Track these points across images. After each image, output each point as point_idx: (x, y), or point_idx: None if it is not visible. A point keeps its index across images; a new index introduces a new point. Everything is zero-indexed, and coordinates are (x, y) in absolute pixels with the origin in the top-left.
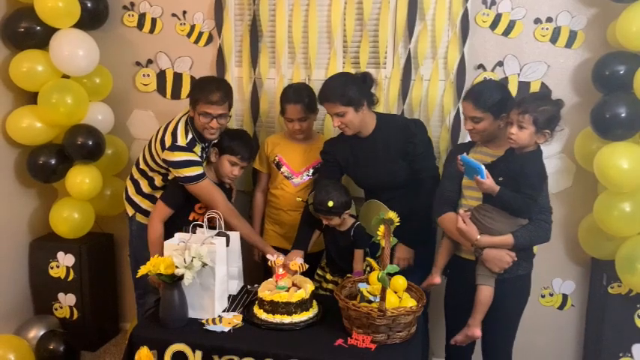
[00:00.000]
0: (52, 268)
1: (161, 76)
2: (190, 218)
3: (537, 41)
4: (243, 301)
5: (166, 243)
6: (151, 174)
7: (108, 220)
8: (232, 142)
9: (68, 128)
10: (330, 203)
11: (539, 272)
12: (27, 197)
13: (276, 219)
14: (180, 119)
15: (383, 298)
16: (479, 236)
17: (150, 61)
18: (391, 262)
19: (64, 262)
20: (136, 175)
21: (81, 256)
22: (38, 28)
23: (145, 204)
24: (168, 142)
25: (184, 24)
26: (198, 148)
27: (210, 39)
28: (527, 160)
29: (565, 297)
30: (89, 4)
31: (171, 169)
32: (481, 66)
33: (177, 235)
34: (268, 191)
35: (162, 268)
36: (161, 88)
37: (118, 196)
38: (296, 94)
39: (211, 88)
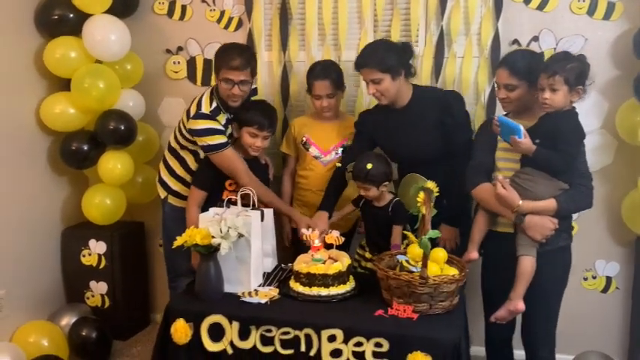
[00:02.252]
0: (83, 256)
1: (191, 62)
2: (224, 197)
3: (574, 14)
4: (278, 277)
5: (201, 216)
6: (182, 153)
7: (139, 208)
8: (248, 113)
9: (100, 114)
10: (369, 165)
11: (581, 254)
12: (59, 185)
13: (303, 200)
14: (206, 90)
15: (425, 265)
16: (520, 202)
17: (180, 48)
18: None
19: (95, 250)
20: (168, 157)
21: (112, 244)
22: (71, 15)
23: (177, 186)
24: (193, 110)
25: (214, 10)
26: (222, 117)
27: (240, 24)
28: (562, 117)
29: (609, 279)
30: None
31: (195, 138)
32: (516, 41)
33: (212, 210)
34: (296, 174)
35: (199, 238)
36: (191, 75)
37: (149, 184)
38: (324, 70)
39: (233, 55)
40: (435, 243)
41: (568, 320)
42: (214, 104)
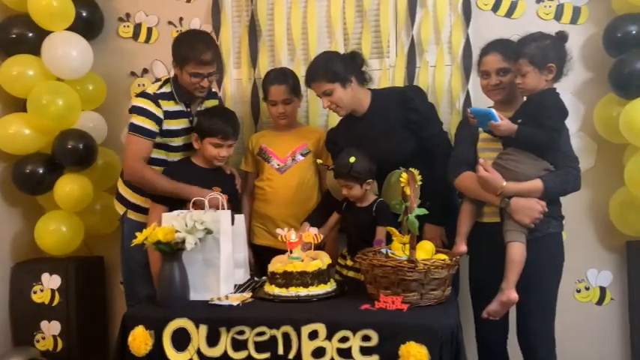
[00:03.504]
0: (35, 292)
1: None
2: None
3: (542, 20)
4: (251, 286)
5: (164, 215)
6: None
7: (99, 241)
8: (209, 122)
9: (58, 134)
10: (352, 159)
11: (571, 264)
12: (10, 217)
13: (260, 212)
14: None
15: (413, 247)
16: (504, 183)
17: (145, 71)
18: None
19: (48, 285)
20: None
21: (68, 277)
22: (30, 34)
23: (134, 198)
24: (138, 91)
25: (180, 30)
26: (169, 103)
27: None
28: (543, 95)
29: (603, 290)
30: (84, 14)
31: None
32: None
33: (176, 211)
34: (255, 188)
35: (161, 235)
36: None
37: (109, 212)
38: (279, 76)
39: (202, 48)
40: (419, 239)
41: (564, 336)
42: (165, 89)
